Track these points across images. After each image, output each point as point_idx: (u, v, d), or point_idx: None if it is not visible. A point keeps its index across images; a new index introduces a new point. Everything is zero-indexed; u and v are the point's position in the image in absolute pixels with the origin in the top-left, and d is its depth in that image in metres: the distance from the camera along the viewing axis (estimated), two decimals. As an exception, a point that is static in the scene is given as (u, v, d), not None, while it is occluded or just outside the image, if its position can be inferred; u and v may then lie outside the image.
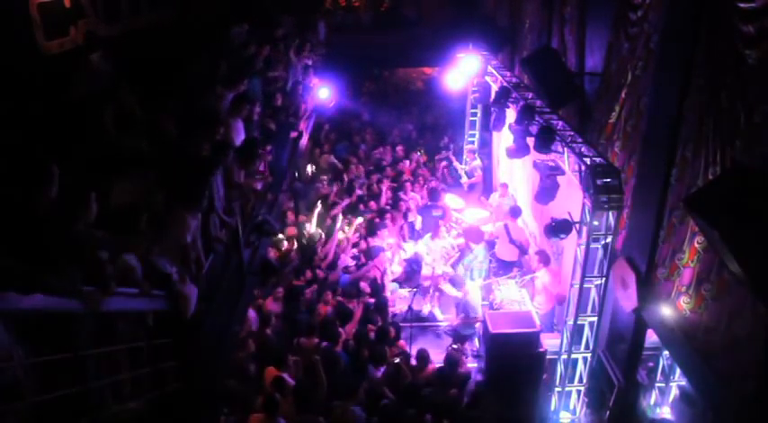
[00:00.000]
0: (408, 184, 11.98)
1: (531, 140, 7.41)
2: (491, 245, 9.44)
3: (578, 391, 7.15)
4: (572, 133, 7.04)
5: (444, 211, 10.20)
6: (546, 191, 7.24)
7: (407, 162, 13.28)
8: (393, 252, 9.81)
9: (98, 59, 6.14)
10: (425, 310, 9.33)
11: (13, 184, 3.38)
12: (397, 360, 7.02)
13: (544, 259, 7.91)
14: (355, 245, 9.85)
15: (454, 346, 8.21)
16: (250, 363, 6.60)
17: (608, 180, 6.07)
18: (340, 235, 9.67)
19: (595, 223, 6.27)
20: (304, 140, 11.00)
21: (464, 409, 6.65)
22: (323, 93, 11.95)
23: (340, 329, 7.46)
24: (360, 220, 10.23)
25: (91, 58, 6.09)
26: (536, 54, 8.61)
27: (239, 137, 6.78)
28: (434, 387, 6.76)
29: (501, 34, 11.61)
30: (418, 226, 10.44)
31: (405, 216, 10.86)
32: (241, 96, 7.19)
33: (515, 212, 9.41)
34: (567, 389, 7.10)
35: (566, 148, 6.81)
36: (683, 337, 5.47)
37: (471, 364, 7.94)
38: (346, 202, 10.75)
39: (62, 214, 3.46)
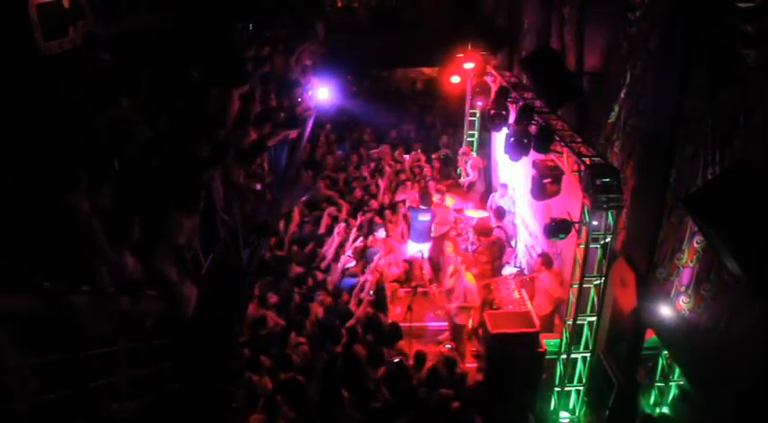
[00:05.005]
0: (408, 184, 11.99)
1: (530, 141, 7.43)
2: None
3: (578, 391, 7.16)
4: (571, 133, 7.05)
5: (434, 216, 10.14)
6: (538, 188, 7.25)
7: (408, 161, 13.28)
8: (392, 252, 9.82)
9: (97, 60, 6.15)
10: None
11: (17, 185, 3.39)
12: (396, 359, 7.02)
13: (546, 262, 7.90)
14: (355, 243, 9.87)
15: (449, 346, 8.23)
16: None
17: (607, 180, 6.07)
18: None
19: (595, 223, 6.28)
20: (303, 140, 11.00)
21: (461, 408, 6.65)
22: (322, 93, 11.95)
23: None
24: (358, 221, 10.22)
25: (90, 59, 6.10)
26: (535, 54, 8.60)
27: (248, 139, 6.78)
28: (429, 387, 6.78)
29: (500, 34, 11.60)
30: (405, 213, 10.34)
31: (404, 217, 10.87)
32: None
33: (501, 214, 9.70)
34: (566, 389, 7.10)
35: (565, 148, 6.81)
36: (683, 336, 5.48)
37: (470, 364, 7.95)
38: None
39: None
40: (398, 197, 11.60)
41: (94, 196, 3.88)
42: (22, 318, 3.10)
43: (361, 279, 8.92)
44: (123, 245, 4.09)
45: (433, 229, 10.03)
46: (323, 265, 9.28)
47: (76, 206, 3.62)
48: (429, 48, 14.83)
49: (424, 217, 9.81)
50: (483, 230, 9.14)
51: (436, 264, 9.73)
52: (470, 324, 8.34)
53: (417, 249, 9.79)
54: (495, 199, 10.64)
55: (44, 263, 3.36)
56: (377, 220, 10.64)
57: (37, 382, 3.09)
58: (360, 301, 8.38)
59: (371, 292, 8.65)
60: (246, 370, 6.48)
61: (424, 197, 10.14)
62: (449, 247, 8.57)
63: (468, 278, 8.04)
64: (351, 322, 7.86)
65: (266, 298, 7.85)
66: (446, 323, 8.65)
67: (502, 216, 9.76)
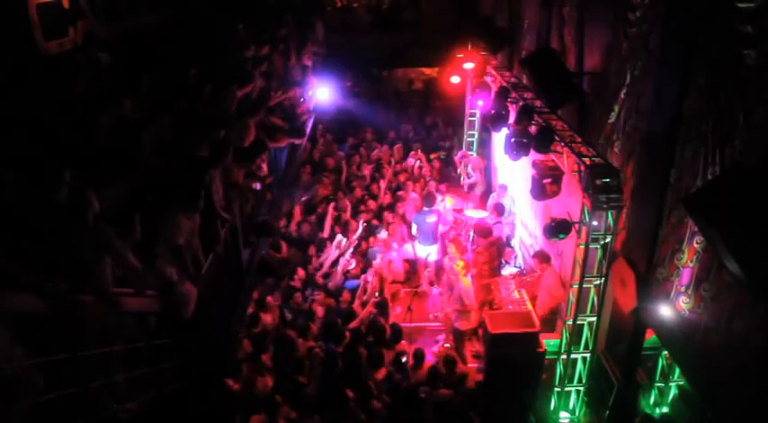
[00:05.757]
0: (409, 184, 11.99)
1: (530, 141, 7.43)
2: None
3: (578, 391, 7.16)
4: (571, 133, 7.05)
5: (439, 216, 10.11)
6: (538, 188, 7.26)
7: (408, 162, 13.29)
8: (392, 252, 9.83)
9: (98, 60, 6.15)
10: None
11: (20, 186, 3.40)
12: (404, 359, 7.03)
13: (544, 259, 7.89)
14: (355, 247, 9.88)
15: (448, 346, 8.23)
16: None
17: (607, 180, 6.07)
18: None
19: (595, 223, 6.28)
20: (303, 140, 11.01)
21: (461, 408, 6.67)
22: (322, 93, 11.95)
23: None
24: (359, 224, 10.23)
25: (90, 59, 6.10)
26: (535, 54, 8.61)
27: (248, 139, 6.77)
28: (429, 386, 6.80)
29: (500, 34, 11.59)
30: (414, 231, 10.26)
31: (403, 217, 10.88)
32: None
33: (500, 210, 9.77)
34: (566, 389, 7.10)
35: (565, 148, 6.81)
36: (683, 336, 5.48)
37: (471, 365, 7.95)
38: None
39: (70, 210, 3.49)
40: (399, 198, 11.62)
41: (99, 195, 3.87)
42: (25, 317, 3.10)
43: (363, 280, 8.92)
44: (126, 244, 4.08)
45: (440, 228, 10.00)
46: (320, 272, 9.29)
47: (88, 205, 3.62)
48: (429, 48, 14.83)
49: (431, 218, 9.77)
50: (482, 231, 9.14)
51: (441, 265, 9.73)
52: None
53: (426, 251, 9.76)
54: (495, 198, 10.65)
55: (43, 263, 3.35)
56: (375, 221, 10.65)
57: (42, 382, 3.08)
58: (364, 303, 8.38)
59: (376, 293, 8.66)
60: (246, 369, 6.50)
61: (428, 198, 10.09)
62: (451, 249, 8.57)
63: (465, 282, 8.02)
64: (354, 323, 7.87)
65: (264, 300, 7.87)
66: (444, 325, 8.66)
67: (501, 212, 9.79)
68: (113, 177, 4.42)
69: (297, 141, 9.57)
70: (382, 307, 8.28)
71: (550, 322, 7.95)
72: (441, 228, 9.99)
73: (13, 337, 3.04)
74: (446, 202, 10.82)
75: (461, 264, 8.20)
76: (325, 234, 10.17)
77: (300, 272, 8.90)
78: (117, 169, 4.51)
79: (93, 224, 3.59)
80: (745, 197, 3.58)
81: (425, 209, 9.92)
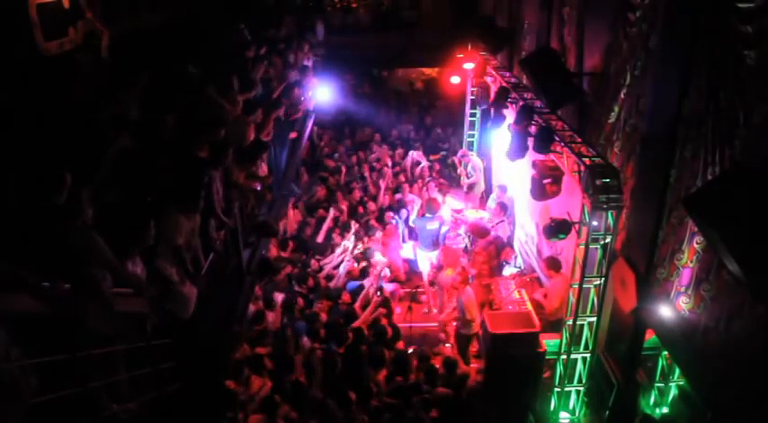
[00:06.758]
0: (406, 186, 11.99)
1: (530, 141, 7.43)
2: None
3: (578, 392, 7.16)
4: (571, 133, 7.05)
5: (441, 222, 9.95)
6: (538, 188, 7.27)
7: (406, 162, 13.30)
8: (391, 252, 9.83)
9: (97, 60, 6.15)
10: None
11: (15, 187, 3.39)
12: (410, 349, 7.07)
13: (553, 266, 7.87)
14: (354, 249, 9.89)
15: (449, 345, 8.24)
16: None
17: (607, 180, 6.07)
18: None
19: (595, 223, 6.28)
20: (303, 141, 11.03)
21: (461, 408, 6.67)
22: (321, 93, 11.95)
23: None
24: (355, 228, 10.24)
25: (90, 59, 6.10)
26: (535, 54, 8.60)
27: (248, 139, 6.77)
28: (429, 385, 6.81)
29: (500, 34, 11.60)
30: (412, 222, 10.16)
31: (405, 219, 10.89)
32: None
33: (504, 208, 9.93)
34: (566, 389, 7.10)
35: (565, 149, 6.81)
36: (683, 336, 5.48)
37: (471, 364, 7.95)
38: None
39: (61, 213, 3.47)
40: (398, 199, 11.62)
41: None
42: (23, 318, 3.10)
43: (366, 282, 8.91)
44: (135, 250, 4.08)
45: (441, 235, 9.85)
46: (322, 274, 9.29)
47: (81, 213, 3.60)
48: (429, 48, 14.85)
49: (432, 225, 9.57)
50: (478, 231, 9.14)
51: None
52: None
53: (426, 257, 9.73)
54: (495, 199, 10.65)
55: (43, 263, 3.35)
56: (374, 222, 10.65)
57: (31, 381, 3.07)
58: (366, 304, 8.37)
59: (378, 293, 8.66)
60: (247, 369, 6.49)
61: (430, 205, 9.78)
62: (448, 272, 8.59)
63: (467, 293, 8.01)
64: (357, 323, 7.86)
65: (270, 298, 7.87)
66: (438, 325, 8.66)
67: (506, 211, 9.80)
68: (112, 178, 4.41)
69: (293, 133, 9.56)
70: (387, 307, 8.27)
71: (559, 326, 7.95)
72: (443, 230, 9.93)
73: (11, 337, 3.03)
74: (446, 202, 10.83)
75: (459, 277, 8.20)
76: (321, 239, 10.15)
77: (310, 281, 8.88)
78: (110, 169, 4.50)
79: (80, 226, 3.56)
80: (745, 197, 3.58)
81: (427, 215, 9.67)
